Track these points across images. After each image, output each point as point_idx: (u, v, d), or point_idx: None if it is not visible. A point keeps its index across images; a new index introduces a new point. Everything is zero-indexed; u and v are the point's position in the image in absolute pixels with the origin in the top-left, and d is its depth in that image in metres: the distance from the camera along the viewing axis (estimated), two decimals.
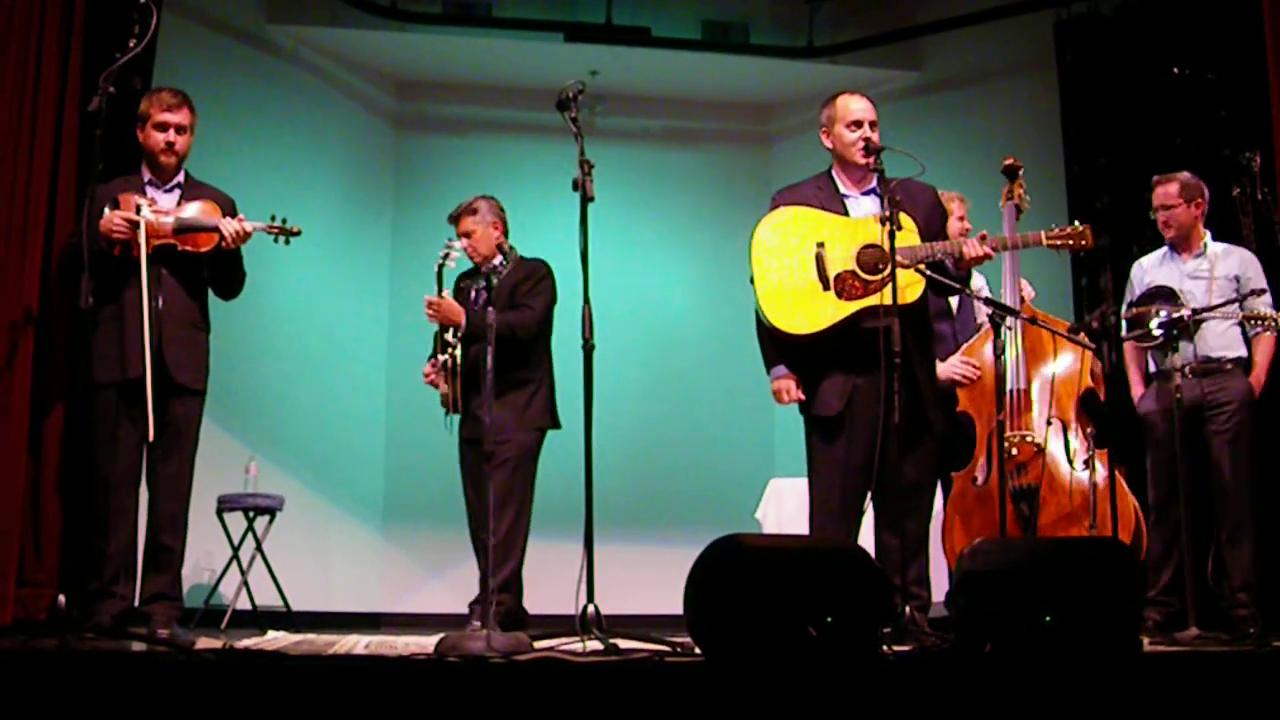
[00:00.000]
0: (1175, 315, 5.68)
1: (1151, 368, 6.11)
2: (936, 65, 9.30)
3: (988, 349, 6.03)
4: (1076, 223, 5.23)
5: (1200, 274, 5.95)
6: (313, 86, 9.15)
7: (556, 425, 6.18)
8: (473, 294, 6.23)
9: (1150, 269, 6.16)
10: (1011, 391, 5.92)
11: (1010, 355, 5.95)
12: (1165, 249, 6.15)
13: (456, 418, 6.17)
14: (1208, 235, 6.04)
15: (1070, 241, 5.18)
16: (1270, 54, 6.36)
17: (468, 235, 6.25)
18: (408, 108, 9.87)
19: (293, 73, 8.96)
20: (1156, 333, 5.71)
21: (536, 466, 6.13)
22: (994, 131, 8.76)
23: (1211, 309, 5.75)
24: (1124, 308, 6.12)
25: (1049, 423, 5.92)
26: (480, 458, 5.80)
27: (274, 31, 8.78)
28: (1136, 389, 6.18)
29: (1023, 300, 5.97)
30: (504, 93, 9.78)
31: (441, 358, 6.05)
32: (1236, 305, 5.76)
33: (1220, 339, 5.89)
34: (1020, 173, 5.70)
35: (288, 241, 5.56)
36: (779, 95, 9.96)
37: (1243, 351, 5.89)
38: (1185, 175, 6.06)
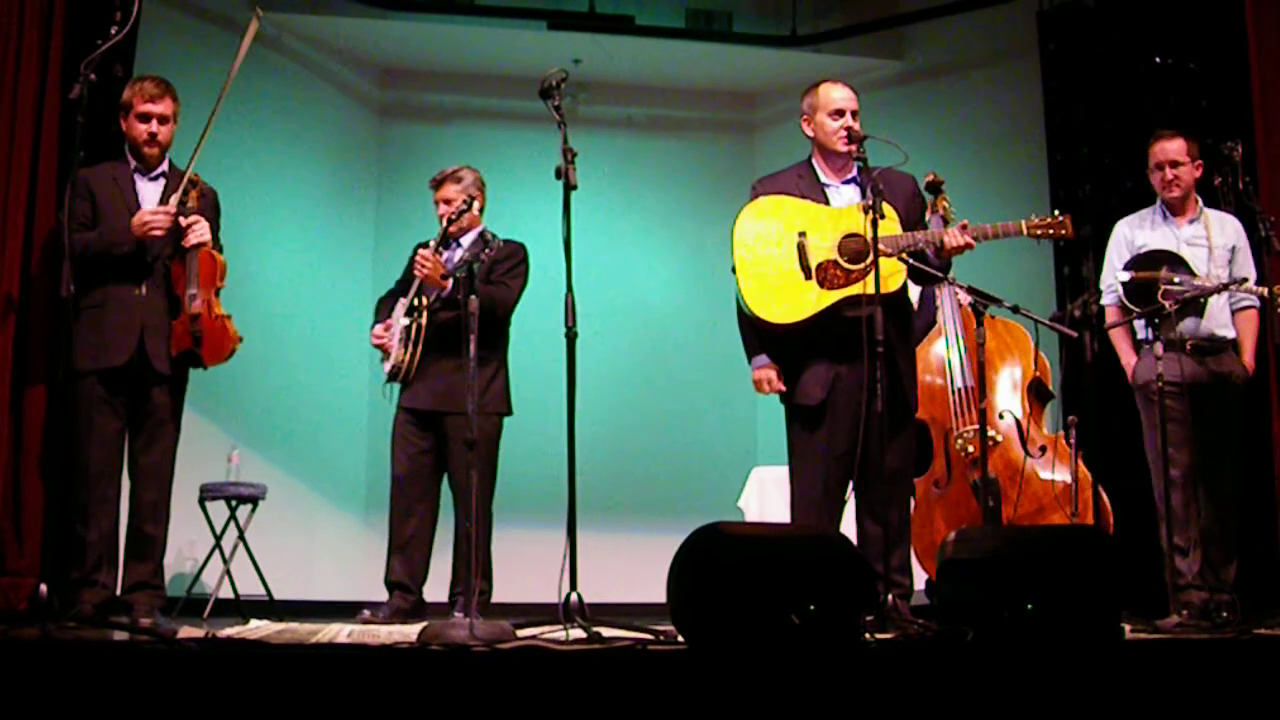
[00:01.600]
0: (1206, 287, 5.45)
1: (1139, 335, 5.84)
2: (919, 54, 9.30)
3: (935, 349, 6.08)
4: (1056, 212, 5.23)
5: (1198, 241, 5.74)
6: (296, 74, 9.11)
7: (510, 411, 6.18)
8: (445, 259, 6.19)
9: (1141, 231, 5.90)
10: (959, 390, 5.96)
11: (954, 354, 5.99)
12: (1153, 210, 5.93)
13: (396, 386, 6.11)
14: (1200, 201, 5.87)
15: (1051, 231, 5.17)
16: (1251, 44, 6.39)
17: (447, 202, 6.22)
18: (391, 95, 9.85)
19: (276, 60, 8.92)
20: (1167, 304, 5.40)
21: (498, 452, 6.12)
22: (977, 120, 8.77)
23: (1238, 283, 5.50)
24: (1109, 271, 5.93)
25: (1001, 416, 5.97)
26: (436, 437, 5.83)
27: None
28: (1129, 357, 5.89)
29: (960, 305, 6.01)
30: (487, 81, 9.76)
31: (404, 321, 5.98)
32: (1252, 281, 5.56)
33: (1222, 314, 5.71)
34: (943, 187, 5.72)
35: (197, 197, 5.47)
36: (762, 84, 9.95)
37: (1233, 331, 5.74)
38: (1184, 134, 5.88)
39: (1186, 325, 5.58)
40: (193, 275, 5.29)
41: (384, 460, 9.29)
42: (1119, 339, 5.90)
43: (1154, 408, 5.55)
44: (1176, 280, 5.46)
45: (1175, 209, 5.84)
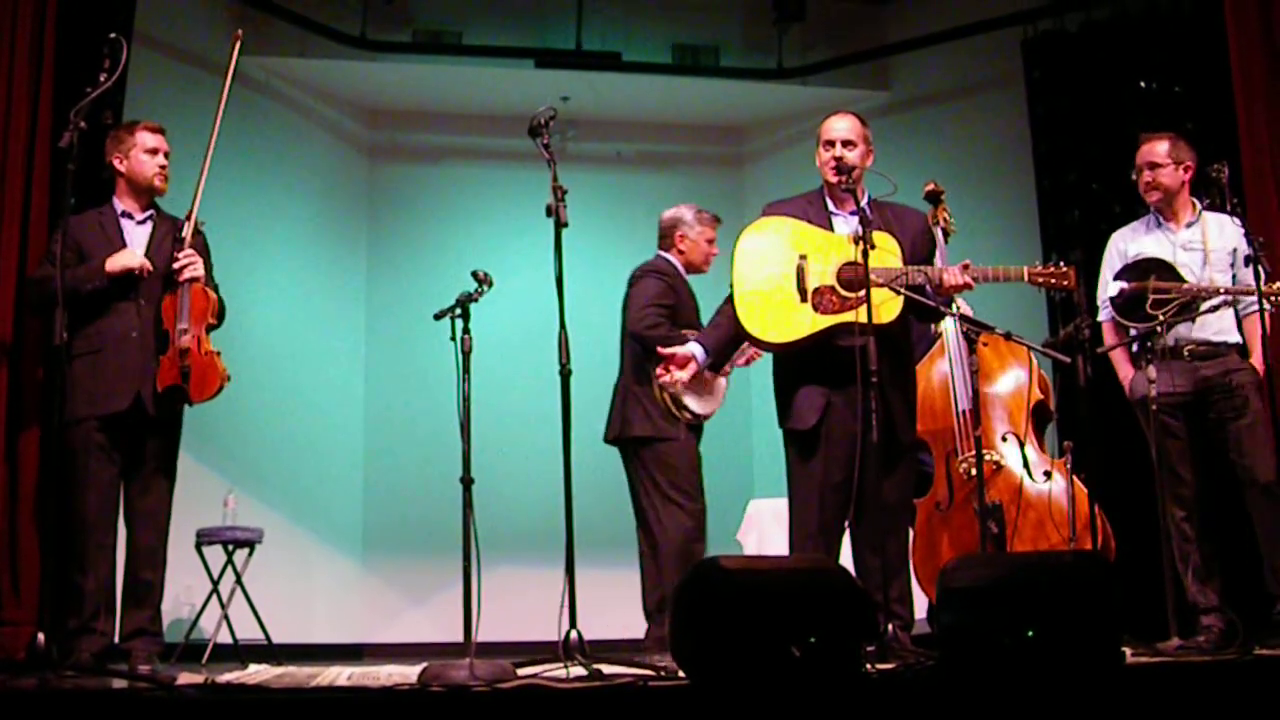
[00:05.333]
0: (1199, 293, 5.35)
1: (1135, 347, 5.71)
2: (906, 84, 9.35)
3: (938, 366, 6.07)
4: (1061, 263, 5.19)
5: (1194, 245, 5.59)
6: (284, 118, 9.15)
7: None
8: None
9: (1134, 239, 5.76)
10: (962, 412, 5.95)
11: (957, 376, 5.99)
12: (1148, 218, 5.79)
13: None
14: (1198, 204, 5.71)
15: (1053, 281, 5.12)
16: (1235, 66, 6.42)
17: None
18: (380, 137, 9.88)
19: (264, 104, 8.96)
20: (1159, 315, 5.35)
21: None
22: (964, 149, 8.81)
23: (1247, 291, 5.30)
24: (1103, 287, 5.81)
25: (1004, 439, 5.96)
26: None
27: (244, 63, 8.73)
28: (1125, 370, 5.76)
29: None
30: (475, 120, 9.80)
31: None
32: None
33: (1220, 319, 5.52)
34: (943, 197, 5.71)
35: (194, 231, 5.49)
36: (750, 117, 9.99)
37: (1237, 335, 5.54)
38: (1173, 136, 5.73)
39: (1180, 331, 5.48)
40: (185, 310, 5.30)
41: (380, 501, 9.32)
42: (1115, 354, 5.81)
43: (1151, 425, 5.50)
44: (1166, 288, 5.39)
45: (1165, 214, 5.70)
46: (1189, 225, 5.67)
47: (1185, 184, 5.69)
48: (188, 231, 5.40)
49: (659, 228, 6.37)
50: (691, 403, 5.97)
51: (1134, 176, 5.76)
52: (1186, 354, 5.52)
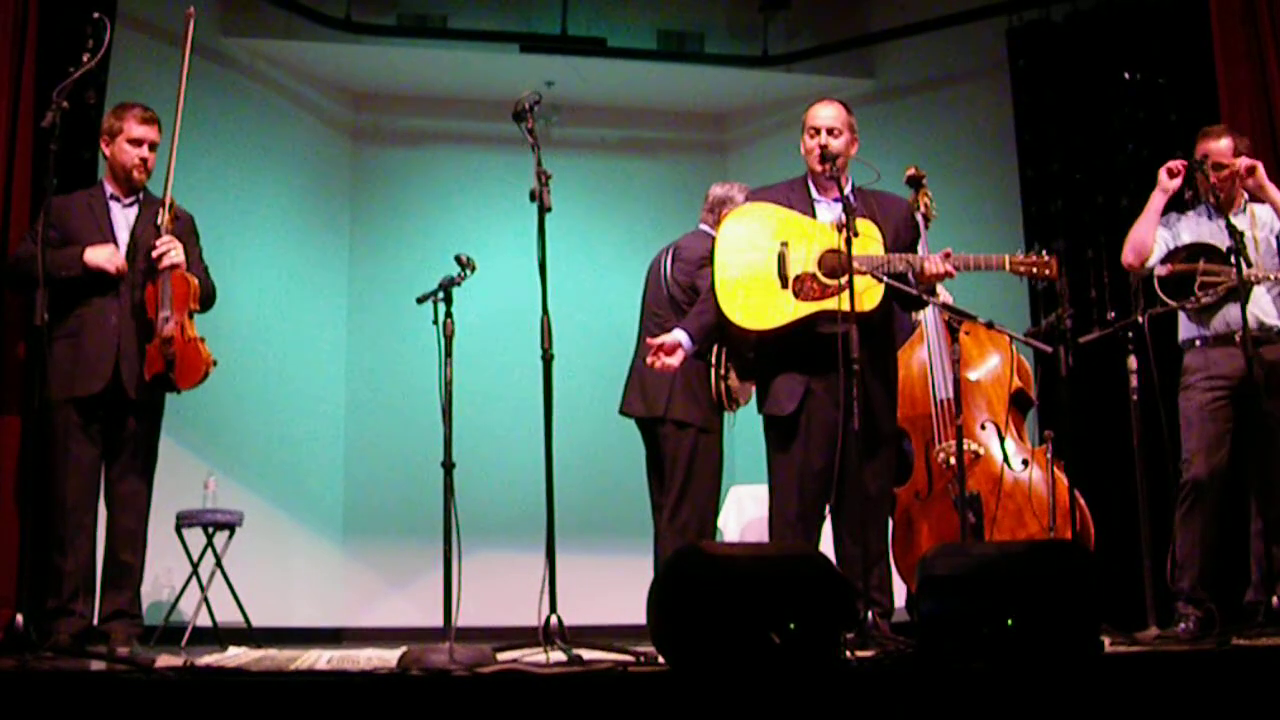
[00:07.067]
0: (1249, 278, 5.25)
1: (1182, 334, 5.66)
2: (890, 72, 9.36)
3: (918, 354, 6.08)
4: (1043, 252, 5.19)
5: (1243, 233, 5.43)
6: (269, 100, 9.12)
7: None
8: None
9: (1182, 226, 5.67)
10: (941, 401, 5.95)
11: (937, 364, 5.99)
12: (1200, 206, 5.69)
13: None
14: (1246, 195, 5.65)
15: (1034, 270, 5.10)
16: (1219, 58, 6.45)
17: None
18: (364, 120, 9.85)
19: (248, 86, 8.93)
20: (1203, 298, 5.35)
21: None
22: (948, 137, 8.82)
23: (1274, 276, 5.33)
24: (1155, 266, 5.66)
25: (983, 427, 5.96)
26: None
27: (229, 45, 8.74)
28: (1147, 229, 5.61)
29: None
30: (460, 104, 9.78)
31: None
32: None
33: (1272, 304, 5.50)
34: (924, 182, 5.68)
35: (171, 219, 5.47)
36: (735, 103, 9.99)
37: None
38: (1231, 131, 5.69)
39: (1231, 316, 5.40)
40: (166, 298, 5.27)
41: (360, 485, 9.32)
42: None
43: (1193, 400, 5.49)
44: (1215, 270, 5.37)
45: (1223, 205, 5.57)
46: (1238, 214, 5.60)
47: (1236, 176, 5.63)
48: (164, 218, 5.36)
49: (707, 200, 6.22)
50: (741, 397, 5.96)
51: (1197, 171, 5.57)
52: (1239, 339, 5.38)
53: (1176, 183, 5.55)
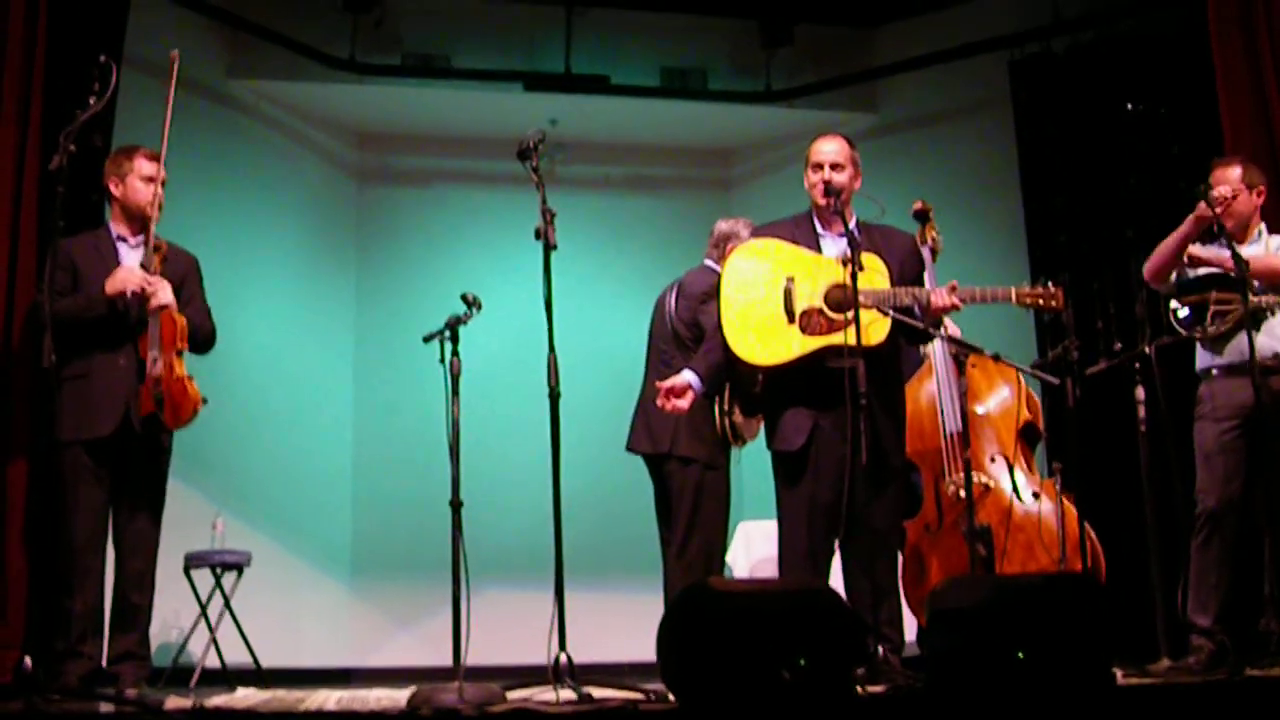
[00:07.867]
0: (1262, 305, 5.27)
1: (1199, 364, 5.61)
2: (893, 107, 9.39)
3: (926, 387, 6.08)
4: (1050, 284, 5.19)
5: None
6: (273, 140, 9.16)
7: None
8: None
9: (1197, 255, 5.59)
10: (948, 435, 5.94)
11: (945, 397, 5.97)
12: (1219, 240, 5.52)
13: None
14: (1263, 224, 5.64)
15: (1041, 301, 5.10)
16: (1220, 88, 6.46)
17: None
18: (369, 160, 9.89)
19: (253, 127, 8.97)
20: (1212, 326, 5.33)
21: None
22: (952, 171, 8.83)
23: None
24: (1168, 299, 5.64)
25: (993, 460, 5.95)
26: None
27: (234, 86, 8.79)
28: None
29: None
30: (464, 143, 9.81)
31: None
32: None
33: None
34: (931, 215, 5.69)
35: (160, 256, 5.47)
36: (738, 139, 10.02)
37: None
38: (1244, 160, 5.68)
39: (1243, 344, 5.29)
40: (155, 338, 5.28)
41: (368, 525, 9.32)
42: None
43: (1207, 431, 5.47)
44: (1227, 299, 5.34)
45: (1237, 234, 5.54)
46: (1253, 243, 5.60)
47: (1258, 208, 5.65)
48: (152, 258, 5.35)
49: (712, 235, 6.25)
50: (746, 433, 5.97)
51: (1204, 198, 5.48)
52: (1248, 367, 5.27)
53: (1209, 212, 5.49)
